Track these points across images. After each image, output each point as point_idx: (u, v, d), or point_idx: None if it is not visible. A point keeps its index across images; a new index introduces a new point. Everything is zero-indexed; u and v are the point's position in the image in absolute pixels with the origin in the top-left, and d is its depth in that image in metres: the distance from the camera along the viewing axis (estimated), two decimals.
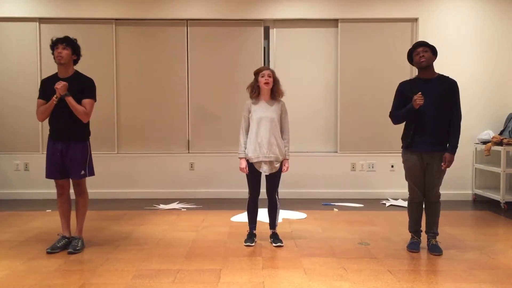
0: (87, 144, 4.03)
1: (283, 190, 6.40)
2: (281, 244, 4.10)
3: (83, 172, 3.95)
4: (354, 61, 6.53)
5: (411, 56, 3.97)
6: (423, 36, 6.40)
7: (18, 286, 3.17)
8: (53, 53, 3.93)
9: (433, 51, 3.87)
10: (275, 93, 4.10)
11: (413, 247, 3.97)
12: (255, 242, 4.19)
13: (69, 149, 3.91)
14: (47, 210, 5.62)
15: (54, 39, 3.95)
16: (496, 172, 6.07)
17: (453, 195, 6.45)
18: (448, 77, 3.93)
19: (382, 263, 3.64)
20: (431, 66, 3.89)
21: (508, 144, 5.87)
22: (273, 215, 4.19)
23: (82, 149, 3.96)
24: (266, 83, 4.02)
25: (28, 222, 5.02)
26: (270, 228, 4.25)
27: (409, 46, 6.45)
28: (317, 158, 6.59)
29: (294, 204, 6.02)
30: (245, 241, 4.17)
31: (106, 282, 3.23)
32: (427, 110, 3.80)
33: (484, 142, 6.20)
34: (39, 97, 3.96)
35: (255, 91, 4.08)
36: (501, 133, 6.21)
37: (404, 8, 6.44)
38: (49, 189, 6.71)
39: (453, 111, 3.86)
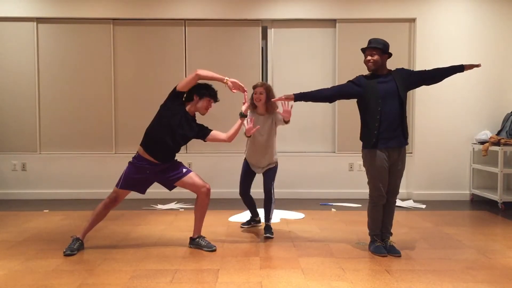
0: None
1: (281, 190, 6.45)
2: (270, 236, 4.34)
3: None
4: (352, 61, 6.51)
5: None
6: (421, 36, 6.42)
7: (15, 286, 3.16)
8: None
9: (383, 50, 3.82)
10: (269, 107, 4.40)
11: (382, 251, 3.83)
12: (251, 225, 4.77)
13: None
14: (45, 210, 5.61)
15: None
16: (493, 172, 6.09)
17: (450, 195, 6.47)
18: (397, 68, 3.92)
19: (380, 263, 3.64)
20: (382, 66, 3.86)
21: (505, 144, 5.88)
22: (267, 209, 4.42)
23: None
24: (258, 100, 4.37)
25: (25, 222, 5.01)
26: (265, 221, 4.47)
27: (407, 47, 6.62)
28: (315, 158, 6.60)
29: (292, 204, 6.02)
30: (242, 224, 4.83)
31: (103, 282, 3.22)
32: (389, 105, 3.74)
33: (482, 142, 6.22)
34: None
35: (252, 105, 4.41)
36: (498, 133, 6.22)
37: (402, 9, 6.45)
38: (47, 189, 6.75)
39: (423, 73, 3.90)
